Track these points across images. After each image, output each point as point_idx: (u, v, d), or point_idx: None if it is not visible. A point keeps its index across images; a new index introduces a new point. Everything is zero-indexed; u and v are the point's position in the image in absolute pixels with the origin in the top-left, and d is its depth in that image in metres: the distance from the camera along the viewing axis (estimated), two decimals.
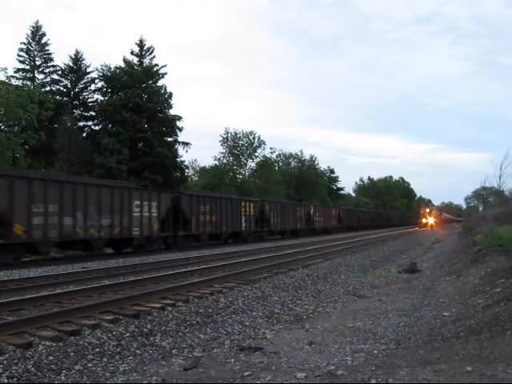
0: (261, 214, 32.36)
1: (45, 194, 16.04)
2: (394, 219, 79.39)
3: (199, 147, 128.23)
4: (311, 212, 41.34)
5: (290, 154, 63.21)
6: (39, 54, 36.92)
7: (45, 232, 16.00)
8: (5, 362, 5.15)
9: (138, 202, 20.38)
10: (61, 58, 57.96)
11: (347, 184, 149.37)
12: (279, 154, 61.40)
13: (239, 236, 29.25)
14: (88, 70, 38.18)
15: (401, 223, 79.30)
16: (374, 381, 3.93)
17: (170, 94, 37.28)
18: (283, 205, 36.87)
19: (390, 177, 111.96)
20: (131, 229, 19.91)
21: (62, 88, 37.92)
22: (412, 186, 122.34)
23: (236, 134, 51.27)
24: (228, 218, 27.63)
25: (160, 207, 21.61)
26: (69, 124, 33.14)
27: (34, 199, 15.67)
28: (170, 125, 37.36)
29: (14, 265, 14.68)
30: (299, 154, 63.69)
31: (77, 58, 38.10)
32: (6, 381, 4.81)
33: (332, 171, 78.01)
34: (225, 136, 50.92)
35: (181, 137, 38.90)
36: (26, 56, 36.58)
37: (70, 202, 17.00)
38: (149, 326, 6.95)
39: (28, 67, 36.63)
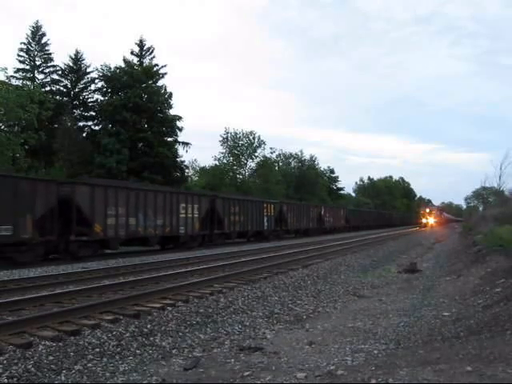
0: (279, 215, 34.86)
1: (116, 198, 18.93)
2: (396, 219, 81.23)
3: (199, 147, 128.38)
4: (322, 212, 43.65)
5: (290, 154, 63.29)
6: (39, 54, 36.93)
7: (116, 231, 18.95)
8: (5, 361, 5.15)
9: (183, 205, 23.06)
10: (61, 58, 58.01)
11: (347, 184, 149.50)
12: (279, 154, 61.48)
13: (261, 234, 31.72)
14: (88, 70, 38.24)
15: (402, 223, 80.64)
16: (373, 381, 3.93)
17: (170, 94, 37.32)
18: (299, 206, 40.00)
19: (390, 177, 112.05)
20: (178, 228, 22.65)
21: (62, 88, 37.94)
22: (412, 186, 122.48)
23: (236, 134, 51.30)
24: (252, 218, 30.33)
25: (200, 209, 24.42)
26: (69, 124, 33.15)
27: (108, 203, 18.55)
28: (170, 125, 37.37)
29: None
30: (299, 154, 63.78)
31: (77, 58, 38.11)
32: (5, 381, 4.81)
33: (332, 171, 78.08)
34: (225, 136, 50.95)
35: (181, 137, 38.97)
36: (26, 56, 36.59)
37: (133, 205, 19.87)
38: (149, 326, 6.95)
39: (28, 67, 36.65)
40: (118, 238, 19.32)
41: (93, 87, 38.51)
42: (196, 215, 23.99)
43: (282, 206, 35.92)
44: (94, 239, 18.04)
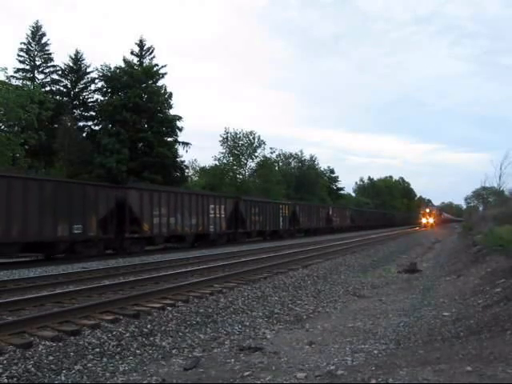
0: (293, 215, 37.47)
1: (159, 201, 21.59)
2: (398, 219, 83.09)
3: (199, 147, 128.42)
4: (330, 213, 46.66)
5: (290, 154, 63.27)
6: (39, 54, 36.93)
7: (160, 229, 21.64)
8: (5, 361, 5.15)
9: (212, 206, 25.82)
10: (61, 58, 58.03)
11: (347, 184, 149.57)
12: (279, 154, 61.45)
13: (277, 233, 34.48)
14: (88, 70, 38.24)
15: (404, 223, 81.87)
16: (373, 381, 3.93)
17: (170, 94, 37.32)
18: (309, 206, 43.01)
19: (390, 177, 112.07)
20: (209, 227, 25.46)
21: (62, 88, 37.94)
22: (412, 186, 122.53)
23: (236, 134, 51.26)
24: (270, 218, 33.27)
25: (226, 210, 27.13)
26: (69, 124, 33.15)
27: (153, 205, 21.22)
28: (170, 125, 37.37)
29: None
30: (299, 154, 63.77)
31: (77, 58, 38.11)
32: (5, 381, 4.81)
33: (332, 171, 78.11)
34: (225, 136, 50.90)
35: (181, 137, 38.97)
36: (26, 56, 36.60)
37: (173, 207, 22.47)
38: (149, 326, 6.95)
39: (28, 67, 36.65)
40: (161, 236, 22.06)
41: (93, 87, 38.55)
42: (223, 215, 26.82)
43: (296, 206, 38.65)
44: (143, 236, 20.86)
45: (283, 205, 36.48)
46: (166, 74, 37.91)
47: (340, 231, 46.87)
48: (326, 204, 51.15)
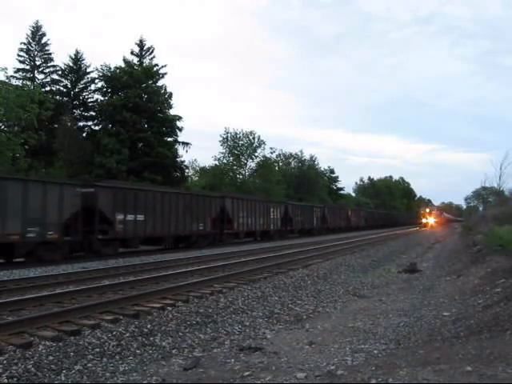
0: (322, 216, 44.57)
1: (247, 207, 30.21)
2: (401, 219, 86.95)
3: (199, 147, 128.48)
4: (349, 214, 54.05)
5: (290, 154, 63.25)
6: (39, 53, 36.93)
7: (243, 227, 29.76)
8: (5, 361, 5.15)
9: (272, 209, 33.97)
10: (61, 58, 57.94)
11: (347, 184, 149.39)
12: (279, 154, 61.44)
13: (310, 231, 41.37)
14: (88, 70, 38.23)
15: (406, 223, 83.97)
16: (373, 381, 3.93)
17: (170, 94, 37.33)
18: (334, 208, 50.93)
19: (390, 177, 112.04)
20: (269, 225, 33.66)
21: (62, 88, 37.93)
22: (412, 186, 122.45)
23: (236, 134, 51.25)
24: (306, 218, 40.80)
25: (280, 212, 35.43)
26: (69, 124, 33.15)
27: (241, 211, 29.35)
28: (170, 125, 37.38)
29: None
30: (299, 153, 63.74)
31: (77, 58, 38.10)
32: (5, 381, 4.81)
33: (332, 171, 78.12)
34: (225, 136, 50.90)
35: (181, 137, 38.98)
36: (26, 56, 36.59)
37: (250, 210, 30.67)
38: (149, 326, 6.95)
39: (28, 67, 36.65)
40: (243, 232, 29.84)
41: (93, 87, 38.54)
42: (278, 217, 34.91)
43: (324, 208, 45.86)
44: (234, 232, 28.69)
45: (316, 207, 41.33)
46: (165, 74, 37.96)
47: (336, 231, 46.67)
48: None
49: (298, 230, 38.96)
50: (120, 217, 19.37)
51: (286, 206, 36.43)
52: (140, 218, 20.32)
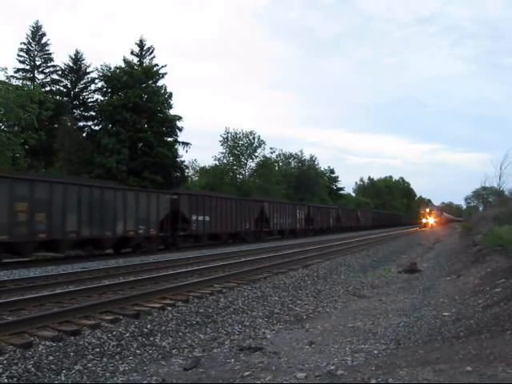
0: (337, 216, 47.97)
1: (279, 210, 35.12)
2: (403, 219, 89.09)
3: (199, 147, 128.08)
4: (358, 214, 58.21)
5: (290, 154, 63.24)
6: (39, 53, 36.93)
7: (276, 226, 34.60)
8: (5, 362, 5.15)
9: (298, 211, 38.88)
10: (61, 58, 57.93)
11: (347, 184, 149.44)
12: (279, 154, 61.43)
13: (328, 230, 45.19)
14: (88, 70, 38.22)
15: (407, 223, 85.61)
16: (373, 381, 3.93)
17: (170, 94, 37.31)
18: (346, 209, 55.08)
19: (390, 177, 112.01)
20: (296, 225, 38.26)
21: (62, 88, 37.92)
22: (412, 186, 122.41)
23: (236, 133, 51.26)
24: (325, 218, 45.72)
25: (304, 213, 40.13)
26: (69, 124, 33.15)
27: (275, 212, 34.37)
28: (170, 125, 37.36)
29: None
30: (299, 154, 63.74)
31: (77, 58, 38.10)
32: (6, 381, 4.81)
33: (332, 171, 78.13)
34: (225, 136, 50.90)
35: (181, 137, 38.95)
36: (26, 56, 36.59)
37: (282, 213, 35.67)
38: (149, 326, 6.95)
39: (28, 67, 36.65)
40: (276, 230, 34.90)
41: (93, 87, 38.52)
42: (302, 217, 39.45)
43: (339, 210, 50.30)
44: (269, 230, 33.54)
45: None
46: (165, 74, 37.92)
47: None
48: (357, 208, 57.95)
49: (317, 229, 42.88)
50: (194, 217, 24.27)
51: (308, 207, 41.84)
52: (207, 218, 25.23)
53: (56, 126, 33.23)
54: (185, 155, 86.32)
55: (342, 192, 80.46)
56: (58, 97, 36.54)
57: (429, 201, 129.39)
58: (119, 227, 19.25)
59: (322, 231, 43.47)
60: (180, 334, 6.95)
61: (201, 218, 24.67)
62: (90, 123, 37.99)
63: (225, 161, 50.85)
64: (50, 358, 5.44)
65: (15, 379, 4.88)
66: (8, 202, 14.96)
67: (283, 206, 36.79)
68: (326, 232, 43.96)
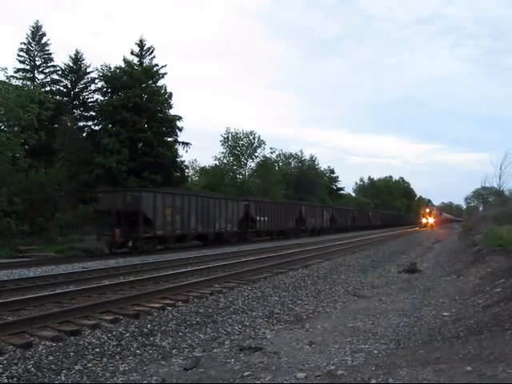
0: (353, 217, 54.27)
1: (312, 211, 41.11)
2: (405, 219, 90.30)
3: (199, 147, 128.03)
4: (370, 215, 63.30)
5: (290, 154, 63.07)
6: (39, 54, 36.86)
7: (310, 225, 40.14)
8: (5, 362, 5.15)
9: (325, 212, 45.06)
10: (61, 58, 57.91)
11: (347, 184, 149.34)
12: (279, 154, 61.24)
13: (346, 229, 50.04)
14: (88, 70, 38.09)
15: (408, 223, 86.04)
16: (373, 381, 3.93)
17: (170, 94, 37.23)
18: (360, 211, 60.57)
19: (390, 177, 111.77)
20: (323, 224, 44.00)
21: (62, 88, 37.84)
22: (412, 186, 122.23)
23: (236, 133, 51.20)
24: (345, 218, 51.54)
25: (329, 214, 45.98)
26: (69, 124, 33.09)
27: (309, 213, 40.50)
28: (170, 125, 37.29)
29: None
30: (299, 153, 63.57)
31: (77, 58, 38.04)
32: (6, 381, 4.81)
33: (332, 171, 77.97)
34: (225, 136, 50.85)
35: (181, 137, 38.84)
36: (26, 56, 36.52)
37: (315, 214, 41.90)
38: (149, 326, 6.95)
39: (28, 67, 36.57)
40: (310, 229, 40.21)
41: (93, 87, 38.40)
42: (328, 217, 45.05)
43: (354, 211, 56.71)
44: (305, 229, 39.19)
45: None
46: (166, 74, 37.81)
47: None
48: (368, 208, 61.13)
49: (339, 227, 47.91)
50: (258, 218, 31.33)
51: (332, 208, 48.12)
52: (266, 219, 32.30)
53: (56, 125, 33.18)
54: (185, 155, 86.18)
55: (341, 192, 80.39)
56: (58, 97, 36.45)
57: (429, 201, 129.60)
58: (217, 225, 26.09)
59: (343, 229, 49.01)
60: (180, 333, 6.95)
61: (262, 218, 31.88)
62: (90, 123, 37.91)
63: (225, 161, 50.81)
64: (50, 357, 5.44)
65: (15, 379, 4.88)
66: (161, 208, 21.32)
67: (315, 207, 43.56)
68: (345, 230, 49.15)
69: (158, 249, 22.19)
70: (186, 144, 39.00)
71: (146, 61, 38.28)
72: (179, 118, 37.86)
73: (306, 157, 64.23)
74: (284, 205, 37.05)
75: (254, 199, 33.19)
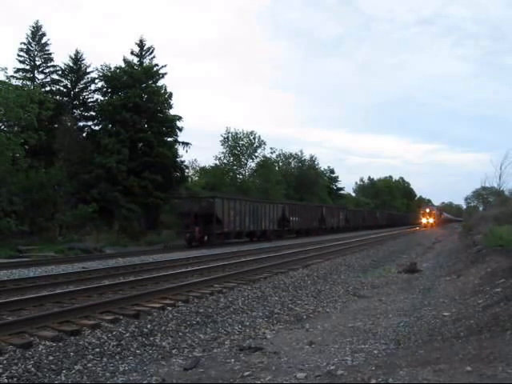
0: (363, 217, 58.85)
1: (331, 212, 46.86)
2: (406, 219, 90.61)
3: (199, 147, 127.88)
4: (377, 215, 66.78)
5: (290, 154, 63.06)
6: (39, 54, 36.83)
7: (329, 224, 44.32)
8: (5, 361, 5.15)
9: (341, 213, 49.86)
10: (61, 58, 57.78)
11: (347, 184, 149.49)
12: (279, 154, 61.22)
13: (357, 228, 53.61)
14: (88, 70, 38.05)
15: (409, 222, 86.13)
16: (373, 381, 3.93)
17: (170, 94, 37.23)
18: (369, 211, 65.22)
19: (390, 177, 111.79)
20: (339, 223, 48.48)
21: (62, 88, 37.81)
22: (412, 186, 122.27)
23: (237, 133, 51.20)
24: (357, 218, 55.94)
25: (344, 214, 50.85)
26: (69, 124, 33.08)
27: (328, 214, 45.02)
28: (170, 125, 37.29)
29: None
30: (299, 153, 63.57)
31: (77, 58, 38.01)
32: (6, 381, 4.81)
33: (332, 171, 77.97)
34: (225, 136, 50.84)
35: (181, 137, 38.84)
36: (26, 56, 36.49)
37: (333, 214, 46.89)
38: (149, 326, 6.95)
39: (28, 67, 36.54)
40: (329, 228, 44.33)
41: (93, 87, 38.36)
42: (343, 218, 49.68)
43: (364, 212, 61.08)
44: (325, 228, 43.38)
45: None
46: (166, 73, 37.81)
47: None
48: (376, 209, 64.94)
49: (352, 227, 52.08)
50: (291, 218, 36.28)
51: (346, 210, 53.55)
52: (297, 219, 37.35)
53: (56, 125, 33.17)
54: (185, 155, 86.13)
55: (342, 192, 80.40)
56: (57, 97, 36.44)
57: (429, 201, 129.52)
58: (262, 225, 31.27)
59: (355, 228, 53.11)
60: (180, 333, 6.95)
61: (294, 218, 36.90)
62: (90, 123, 37.89)
63: (225, 161, 50.81)
64: (50, 357, 5.44)
65: (15, 379, 4.88)
66: (227, 211, 26.68)
67: (332, 209, 48.72)
68: (356, 229, 53.20)
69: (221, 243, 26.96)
70: (186, 144, 38.99)
71: (146, 61, 38.27)
72: (179, 118, 37.87)
73: (306, 157, 64.25)
74: (309, 207, 42.84)
75: (289, 203, 39.89)
